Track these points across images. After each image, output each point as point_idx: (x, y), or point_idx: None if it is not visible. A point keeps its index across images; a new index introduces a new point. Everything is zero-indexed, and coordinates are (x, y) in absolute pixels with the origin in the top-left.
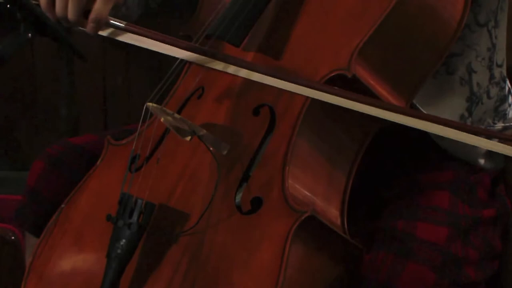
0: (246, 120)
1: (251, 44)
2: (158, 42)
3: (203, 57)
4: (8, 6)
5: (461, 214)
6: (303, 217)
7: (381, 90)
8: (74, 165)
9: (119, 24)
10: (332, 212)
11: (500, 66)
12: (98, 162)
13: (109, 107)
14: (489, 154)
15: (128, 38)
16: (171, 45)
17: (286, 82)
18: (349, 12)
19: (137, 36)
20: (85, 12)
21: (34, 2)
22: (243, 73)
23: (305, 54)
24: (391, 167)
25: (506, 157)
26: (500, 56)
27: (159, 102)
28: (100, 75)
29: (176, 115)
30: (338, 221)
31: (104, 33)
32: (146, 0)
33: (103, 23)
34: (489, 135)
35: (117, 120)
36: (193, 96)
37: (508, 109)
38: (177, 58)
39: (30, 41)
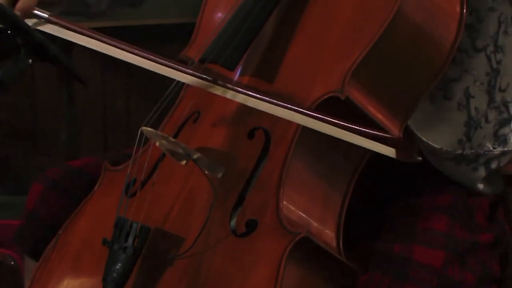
0: (241, 143)
1: (245, 68)
2: (81, 36)
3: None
4: (9, 31)
5: (458, 238)
6: (297, 239)
7: (375, 111)
8: (73, 187)
9: (43, 14)
10: (327, 234)
11: (503, 91)
12: (95, 188)
13: (108, 132)
14: (488, 179)
15: (52, 29)
16: (97, 40)
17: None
18: (342, 35)
19: (60, 28)
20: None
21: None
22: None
23: (299, 76)
24: (388, 189)
25: (505, 182)
26: (505, 80)
27: (155, 126)
28: (100, 100)
29: (171, 139)
30: (334, 243)
31: (29, 22)
32: None
33: (28, 12)
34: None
35: (117, 145)
36: (189, 120)
37: (510, 134)
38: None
39: (30, 66)
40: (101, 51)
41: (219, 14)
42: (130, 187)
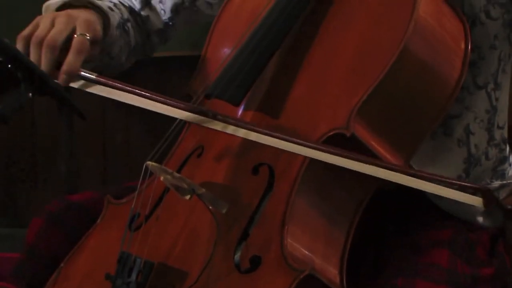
0: (245, 179)
1: (250, 103)
2: (133, 95)
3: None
4: (9, 65)
5: (460, 273)
6: (301, 276)
7: (379, 148)
8: (73, 222)
9: (91, 76)
10: (331, 271)
11: (501, 128)
12: (98, 221)
13: (108, 165)
14: (488, 212)
15: (100, 90)
16: (146, 98)
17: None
18: (347, 72)
19: (109, 88)
20: (58, 64)
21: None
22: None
23: (304, 112)
24: (390, 225)
25: (504, 215)
26: (502, 118)
27: (159, 160)
28: (100, 133)
29: (176, 174)
30: (337, 279)
31: (75, 84)
32: (141, 49)
33: (74, 75)
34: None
35: (117, 177)
36: (193, 155)
37: (508, 169)
38: (176, 118)
39: (31, 100)
40: (145, 107)
41: (224, 48)
42: (134, 221)
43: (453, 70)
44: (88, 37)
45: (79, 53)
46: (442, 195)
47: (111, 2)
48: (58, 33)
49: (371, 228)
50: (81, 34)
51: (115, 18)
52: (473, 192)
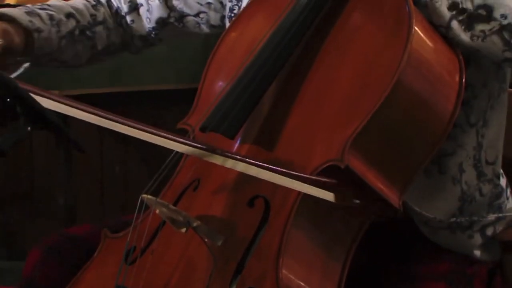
0: (241, 212)
1: (245, 136)
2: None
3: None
4: (8, 99)
5: None
6: None
7: (374, 180)
8: (71, 255)
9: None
10: None
11: (491, 163)
12: (95, 255)
13: (105, 196)
14: (485, 246)
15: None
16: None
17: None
18: (342, 104)
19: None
20: None
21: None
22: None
23: (299, 145)
24: (387, 258)
25: (502, 248)
26: (491, 154)
27: (155, 193)
28: (97, 164)
29: (172, 207)
30: None
31: None
32: (122, 47)
33: None
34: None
35: (114, 209)
36: (189, 188)
37: (506, 202)
38: (173, 150)
39: (29, 134)
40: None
41: (220, 83)
42: (130, 255)
43: (448, 103)
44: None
45: None
46: (296, 189)
47: (73, 7)
48: None
49: (368, 260)
50: None
51: (58, 30)
52: (325, 186)
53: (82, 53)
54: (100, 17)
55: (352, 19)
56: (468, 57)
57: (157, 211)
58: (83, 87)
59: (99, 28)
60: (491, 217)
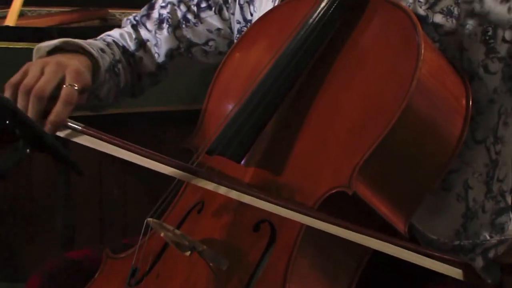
0: (246, 236)
1: (251, 160)
2: (117, 148)
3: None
4: (7, 122)
5: None
6: None
7: (381, 207)
8: (70, 280)
9: (77, 126)
10: None
11: (501, 181)
12: (96, 276)
13: (105, 220)
14: (487, 269)
15: (86, 140)
16: (131, 152)
17: (278, 207)
18: (349, 129)
19: (94, 139)
20: (45, 113)
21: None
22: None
23: (306, 170)
24: (391, 279)
25: (502, 271)
26: (503, 171)
27: (159, 215)
28: (96, 187)
29: (176, 231)
30: None
31: (61, 133)
32: (130, 89)
33: (60, 125)
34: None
35: (113, 231)
36: (193, 210)
37: (508, 222)
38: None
39: (28, 156)
40: (136, 162)
41: (225, 104)
42: (135, 276)
43: (455, 128)
44: (77, 88)
45: (67, 104)
46: (423, 265)
47: (105, 41)
48: (46, 83)
49: (373, 281)
50: (70, 85)
51: (106, 61)
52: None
53: (111, 90)
54: (117, 55)
55: (360, 43)
56: (472, 74)
57: (162, 235)
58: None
59: (120, 66)
60: (494, 240)
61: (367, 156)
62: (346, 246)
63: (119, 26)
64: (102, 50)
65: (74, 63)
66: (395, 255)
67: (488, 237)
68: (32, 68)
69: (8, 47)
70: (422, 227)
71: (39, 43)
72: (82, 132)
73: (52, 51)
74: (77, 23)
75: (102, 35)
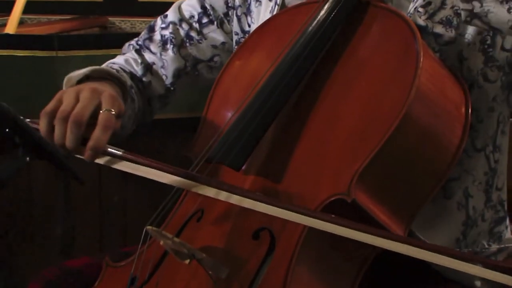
0: (245, 244)
1: (251, 167)
2: (154, 170)
3: (196, 183)
4: (7, 130)
5: None
6: None
7: (380, 214)
8: None
9: (117, 152)
10: None
11: (499, 189)
12: (95, 284)
13: (104, 227)
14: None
15: (125, 166)
16: (167, 172)
17: (279, 209)
18: (349, 137)
19: (134, 164)
20: (83, 140)
21: (33, 126)
22: (235, 199)
23: (305, 177)
24: (391, 287)
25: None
26: (501, 180)
27: (158, 223)
28: (96, 194)
29: (176, 239)
30: None
31: (100, 161)
32: (142, 115)
33: (100, 151)
34: (484, 263)
35: (113, 240)
36: (192, 218)
37: (505, 231)
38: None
39: (28, 164)
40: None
41: (225, 112)
42: (134, 284)
43: (454, 136)
44: (114, 113)
45: (106, 129)
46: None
47: (113, 69)
48: (84, 108)
49: None
50: (107, 110)
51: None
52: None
53: (130, 117)
54: (129, 82)
55: (359, 50)
56: (472, 82)
57: (161, 243)
58: None
59: (133, 92)
60: (493, 248)
61: (366, 163)
62: (346, 253)
63: (118, 34)
64: (124, 79)
65: (108, 88)
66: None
67: (486, 245)
68: (67, 95)
69: (8, 55)
70: (422, 235)
71: (40, 51)
72: (123, 158)
73: (82, 80)
74: (77, 30)
75: (106, 63)
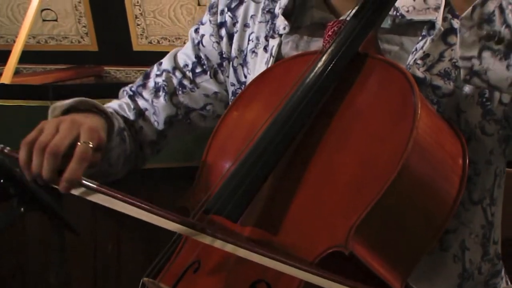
0: None
1: (248, 218)
2: (130, 206)
3: (166, 220)
4: (2, 180)
5: None
6: None
7: (378, 267)
8: None
9: (91, 184)
10: None
11: (496, 243)
12: None
13: (98, 276)
14: None
15: (100, 199)
16: (144, 210)
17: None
18: (345, 189)
19: (109, 197)
20: (59, 171)
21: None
22: (229, 248)
23: (303, 229)
24: None
25: None
26: (497, 233)
27: (155, 275)
28: (90, 243)
29: None
30: None
31: (76, 192)
32: (134, 159)
33: (75, 183)
34: None
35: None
36: (189, 270)
37: (500, 282)
38: (174, 233)
39: (22, 215)
40: (142, 218)
41: (222, 163)
42: None
43: (451, 188)
44: (91, 145)
45: (82, 162)
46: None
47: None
48: (61, 140)
49: None
50: (84, 142)
51: (117, 122)
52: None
53: (120, 156)
54: (122, 123)
55: (356, 102)
56: (470, 135)
57: None
58: None
59: (125, 133)
60: None
61: (364, 216)
62: None
63: (114, 83)
64: (111, 113)
65: (88, 121)
66: None
67: None
68: (47, 126)
69: (4, 105)
70: (418, 287)
71: (35, 100)
72: (97, 191)
73: (67, 111)
74: (72, 80)
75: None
